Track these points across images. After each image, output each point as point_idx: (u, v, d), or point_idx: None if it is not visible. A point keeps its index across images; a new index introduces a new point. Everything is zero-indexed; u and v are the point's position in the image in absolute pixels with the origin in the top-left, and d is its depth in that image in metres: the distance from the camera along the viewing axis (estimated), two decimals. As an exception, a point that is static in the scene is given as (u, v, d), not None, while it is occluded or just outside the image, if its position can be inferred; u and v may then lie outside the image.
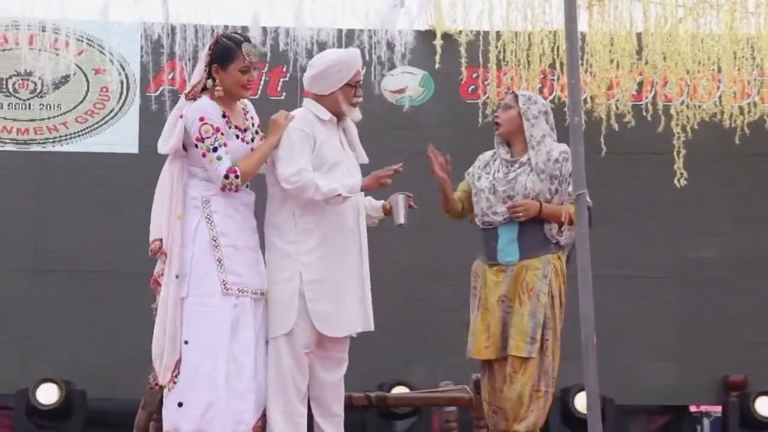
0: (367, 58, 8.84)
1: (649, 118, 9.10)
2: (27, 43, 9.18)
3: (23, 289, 8.97)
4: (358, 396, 5.99)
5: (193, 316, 5.19)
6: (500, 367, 5.57)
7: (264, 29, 9.18)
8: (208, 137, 5.21)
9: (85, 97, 9.28)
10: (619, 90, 9.15)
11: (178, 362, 5.22)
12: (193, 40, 9.14)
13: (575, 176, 5.10)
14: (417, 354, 8.83)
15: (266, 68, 9.23)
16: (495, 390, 5.59)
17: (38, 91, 9.26)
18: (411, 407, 8.45)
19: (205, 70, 5.35)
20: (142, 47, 9.24)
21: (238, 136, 5.37)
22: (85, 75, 9.30)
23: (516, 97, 5.75)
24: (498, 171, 5.69)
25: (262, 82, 9.25)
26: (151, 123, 8.58)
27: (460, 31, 9.17)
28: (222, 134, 5.25)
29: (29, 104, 9.26)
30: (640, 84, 9.29)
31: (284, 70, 9.27)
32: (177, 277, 5.21)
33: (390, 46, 9.22)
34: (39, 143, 9.24)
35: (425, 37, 9.32)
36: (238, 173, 5.24)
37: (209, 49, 5.37)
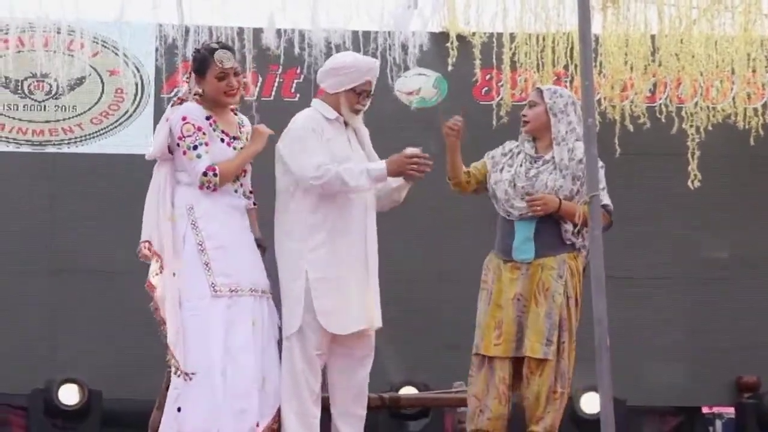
0: (381, 59, 8.83)
1: (663, 120, 9.07)
2: (42, 46, 9.20)
3: (38, 289, 8.98)
4: (372, 397, 5.97)
5: (186, 321, 5.24)
6: (502, 365, 5.50)
7: (278, 31, 9.17)
8: (188, 135, 5.31)
9: (99, 98, 9.29)
10: (633, 92, 9.14)
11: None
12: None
13: (589, 178, 5.09)
14: (429, 355, 8.82)
15: (280, 70, 9.24)
16: (489, 388, 5.53)
17: (53, 92, 9.27)
18: (423, 408, 8.44)
19: (186, 81, 5.50)
20: (156, 49, 9.24)
21: (223, 140, 5.43)
22: (100, 77, 9.31)
23: (541, 92, 5.67)
24: (521, 165, 5.62)
25: (276, 84, 9.25)
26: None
27: (474, 33, 9.16)
28: (204, 134, 5.33)
29: (44, 106, 9.27)
30: (654, 85, 9.27)
31: (298, 71, 9.26)
32: (174, 275, 5.29)
33: (404, 48, 9.22)
34: (54, 144, 9.25)
35: (439, 39, 9.31)
36: (217, 172, 5.30)
37: (192, 61, 5.52)
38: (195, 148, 5.29)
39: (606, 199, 5.49)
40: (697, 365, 9.20)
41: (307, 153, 5.41)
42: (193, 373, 5.17)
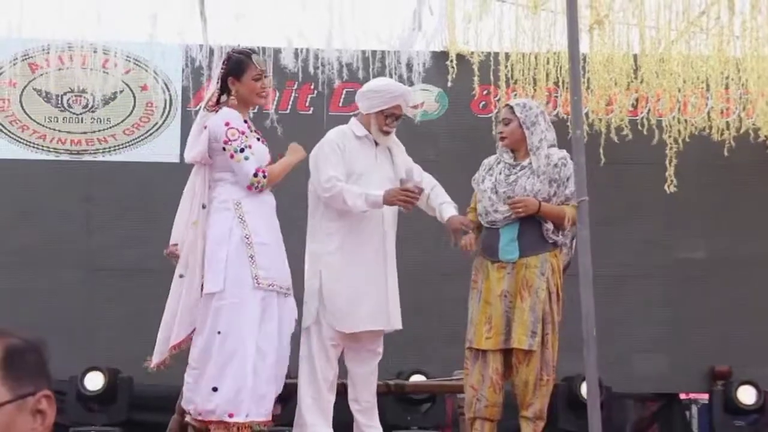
0: (388, 76, 8.83)
1: (645, 132, 9.06)
2: (80, 64, 9.21)
3: (76, 286, 8.99)
4: (379, 384, 5.99)
5: (228, 308, 5.19)
6: (494, 356, 5.51)
7: (295, 51, 9.18)
8: (234, 140, 5.24)
9: (131, 111, 9.29)
10: (617, 106, 9.13)
11: (174, 347, 5.29)
12: (230, 61, 9.15)
13: (578, 184, 5.08)
14: (432, 345, 8.80)
15: (296, 86, 9.24)
16: (484, 378, 5.53)
17: (90, 106, 9.28)
18: (426, 394, 8.44)
19: (218, 85, 5.40)
20: (183, 68, 9.26)
21: (259, 139, 5.42)
22: (132, 92, 9.32)
23: (512, 108, 5.68)
24: (500, 173, 5.64)
25: (292, 98, 9.26)
26: (192, 135, 8.59)
27: (472, 52, 9.16)
28: (246, 137, 5.27)
29: (82, 118, 9.28)
30: (637, 100, 9.26)
31: (312, 87, 9.26)
32: (181, 276, 5.31)
33: (408, 66, 9.22)
34: (90, 153, 9.26)
35: (440, 57, 9.31)
36: (266, 174, 5.27)
37: (223, 65, 5.42)
38: (242, 150, 5.23)
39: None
40: (675, 356, 9.18)
41: (326, 165, 5.45)
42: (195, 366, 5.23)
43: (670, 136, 8.97)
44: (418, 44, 9.42)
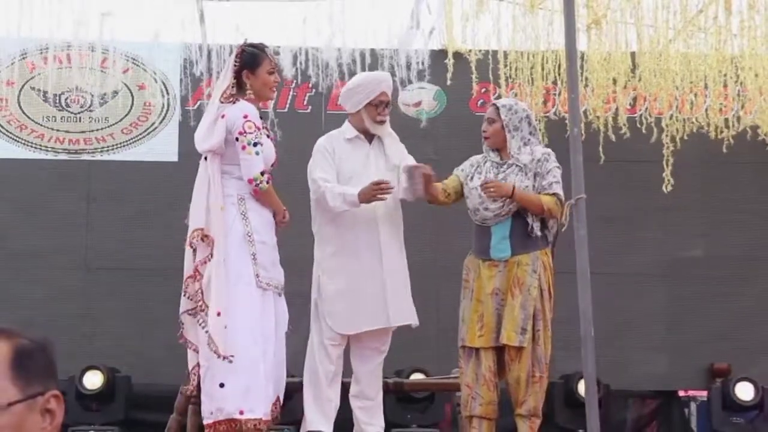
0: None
1: (644, 130, 9.05)
2: (78, 63, 9.20)
3: (74, 285, 8.98)
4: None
5: (234, 305, 5.16)
6: (487, 354, 5.50)
7: (293, 50, 9.17)
8: (250, 132, 5.18)
9: (129, 110, 9.28)
10: (616, 104, 9.12)
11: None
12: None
13: (575, 182, 5.07)
14: (431, 344, 8.79)
15: (294, 84, 9.23)
16: (478, 376, 5.51)
17: (88, 105, 9.27)
18: (425, 392, 8.44)
19: (234, 77, 5.34)
20: (181, 66, 9.24)
21: (269, 136, 5.41)
22: (130, 91, 9.31)
23: (497, 109, 5.66)
24: (489, 172, 5.62)
25: (290, 97, 9.25)
26: (190, 134, 8.50)
27: (470, 51, 9.15)
28: (261, 133, 5.24)
29: (80, 117, 9.27)
30: (635, 99, 9.25)
31: (310, 86, 9.26)
32: (224, 260, 5.16)
33: (407, 65, 9.21)
34: (88, 152, 9.25)
35: (438, 56, 9.30)
36: (269, 182, 5.23)
37: (237, 58, 5.36)
38: (255, 144, 5.19)
39: (558, 190, 5.49)
40: (674, 354, 9.18)
41: (315, 168, 5.52)
42: (232, 356, 5.09)
43: (667, 135, 8.96)
44: (417, 43, 9.42)
